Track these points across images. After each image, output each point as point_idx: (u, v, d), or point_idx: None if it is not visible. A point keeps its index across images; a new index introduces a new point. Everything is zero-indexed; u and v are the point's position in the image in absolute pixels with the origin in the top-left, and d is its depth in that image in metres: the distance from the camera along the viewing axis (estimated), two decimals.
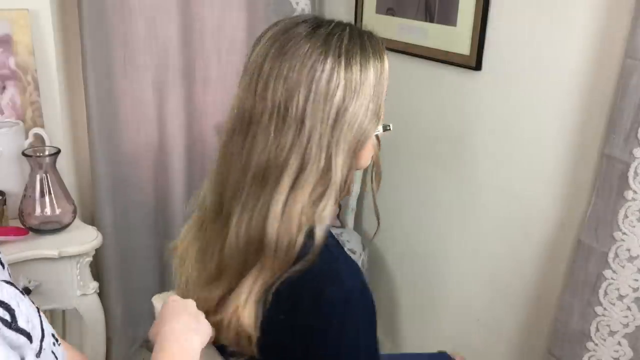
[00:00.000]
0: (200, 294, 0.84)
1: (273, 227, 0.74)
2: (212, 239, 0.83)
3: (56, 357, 0.68)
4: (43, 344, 0.65)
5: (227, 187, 0.79)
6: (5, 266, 0.75)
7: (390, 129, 0.84)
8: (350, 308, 0.77)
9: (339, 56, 0.74)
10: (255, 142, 0.75)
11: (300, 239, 0.75)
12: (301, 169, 0.74)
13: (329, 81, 0.73)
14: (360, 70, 0.75)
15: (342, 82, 0.73)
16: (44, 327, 0.67)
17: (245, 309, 0.76)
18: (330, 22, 0.78)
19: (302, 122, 0.73)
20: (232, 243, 0.77)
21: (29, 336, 0.62)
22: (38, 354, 0.64)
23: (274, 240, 0.74)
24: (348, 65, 0.74)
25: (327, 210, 0.76)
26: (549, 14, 1.39)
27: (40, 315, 0.68)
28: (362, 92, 0.75)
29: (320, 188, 0.75)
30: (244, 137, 0.76)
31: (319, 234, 0.76)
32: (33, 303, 0.68)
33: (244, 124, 0.76)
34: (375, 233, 0.97)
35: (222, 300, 0.80)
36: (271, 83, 0.73)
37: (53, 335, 0.70)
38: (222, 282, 0.80)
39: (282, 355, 0.79)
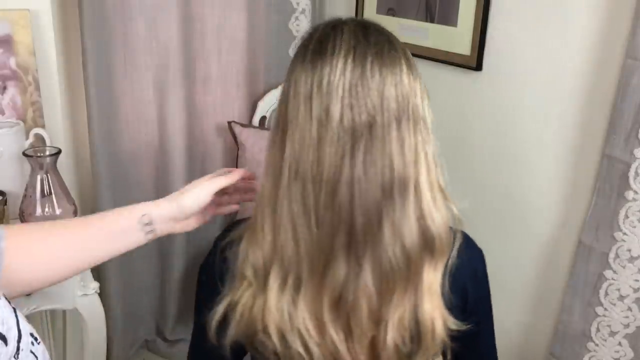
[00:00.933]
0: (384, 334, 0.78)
1: (435, 224, 0.77)
2: (346, 279, 0.77)
3: (36, 356, 0.68)
4: (20, 344, 0.65)
5: (359, 214, 0.74)
6: None
7: None
8: (487, 277, 0.91)
9: (409, 53, 0.79)
10: (386, 153, 0.73)
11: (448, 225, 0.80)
12: (428, 162, 0.77)
13: (420, 79, 0.78)
14: None
15: (421, 76, 0.79)
16: (21, 327, 0.67)
17: (442, 308, 0.79)
18: (368, 21, 0.81)
19: (419, 120, 0.77)
20: (406, 253, 0.75)
21: (3, 338, 0.61)
22: (16, 355, 0.63)
23: (439, 235, 0.78)
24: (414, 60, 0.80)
25: (448, 189, 0.81)
26: (549, 14, 1.39)
27: (17, 316, 0.67)
28: None
29: (437, 173, 0.80)
30: (371, 154, 0.73)
31: (457, 213, 0.81)
32: (9, 303, 0.67)
33: (364, 140, 0.73)
34: None
35: (415, 319, 0.78)
36: (389, 91, 0.74)
37: (32, 335, 0.69)
38: (394, 303, 0.77)
39: (457, 344, 0.82)
